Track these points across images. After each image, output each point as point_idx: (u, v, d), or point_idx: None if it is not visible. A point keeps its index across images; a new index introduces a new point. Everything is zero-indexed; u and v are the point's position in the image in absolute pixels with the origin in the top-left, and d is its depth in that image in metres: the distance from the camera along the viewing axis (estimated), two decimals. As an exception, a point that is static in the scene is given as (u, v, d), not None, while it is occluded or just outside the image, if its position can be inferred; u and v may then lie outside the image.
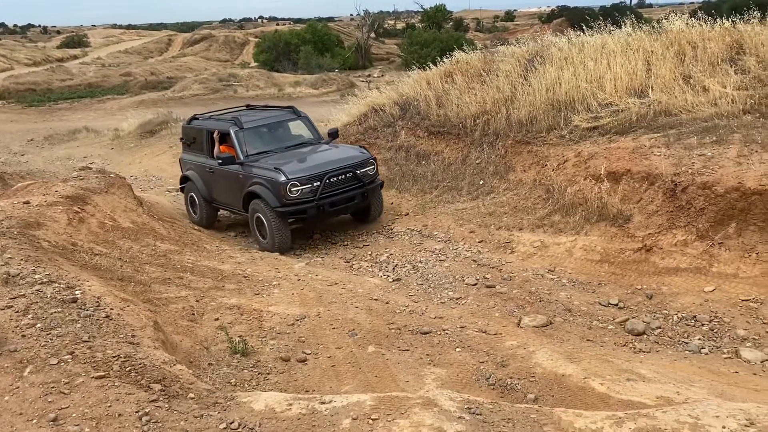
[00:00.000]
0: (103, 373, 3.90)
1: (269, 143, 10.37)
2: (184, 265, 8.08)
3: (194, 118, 11.33)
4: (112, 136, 20.76)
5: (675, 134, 8.50)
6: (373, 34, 56.57)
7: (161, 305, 6.69)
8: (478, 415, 3.39)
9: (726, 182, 7.35)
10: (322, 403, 3.56)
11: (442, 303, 7.33)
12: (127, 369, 4.03)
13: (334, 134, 10.99)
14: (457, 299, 7.38)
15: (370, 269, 8.66)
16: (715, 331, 6.20)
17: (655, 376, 5.00)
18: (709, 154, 7.82)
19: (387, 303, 7.22)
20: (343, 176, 9.51)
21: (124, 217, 8.68)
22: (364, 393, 4.84)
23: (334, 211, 9.67)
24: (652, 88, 9.56)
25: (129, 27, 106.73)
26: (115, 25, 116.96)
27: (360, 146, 10.85)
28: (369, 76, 40.38)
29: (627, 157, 8.55)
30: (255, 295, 7.46)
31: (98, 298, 5.31)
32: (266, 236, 9.47)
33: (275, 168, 9.34)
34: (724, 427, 2.97)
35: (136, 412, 3.53)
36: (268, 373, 5.55)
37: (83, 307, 5.05)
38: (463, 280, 7.86)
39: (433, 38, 43.60)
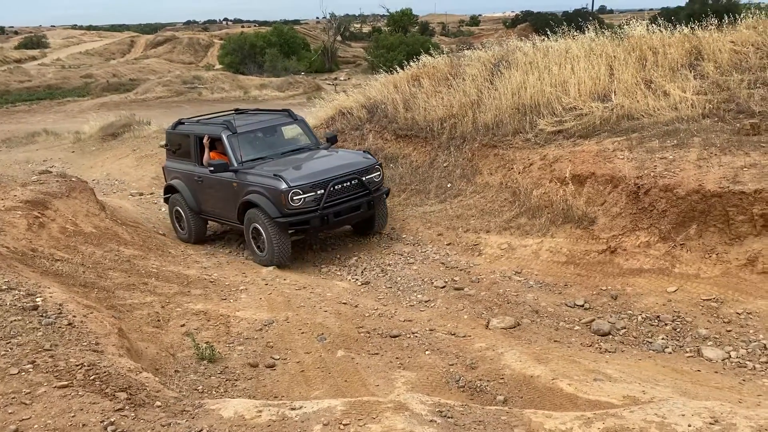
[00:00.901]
0: (66, 383, 3.81)
1: (265, 149, 9.68)
2: (148, 270, 7.95)
3: (179, 122, 10.57)
4: (73, 139, 20.31)
5: (637, 138, 8.67)
6: (339, 38, 56.52)
7: (126, 312, 6.58)
8: (449, 418, 3.40)
9: (687, 185, 7.52)
10: (293, 409, 3.52)
11: (411, 306, 7.34)
12: (92, 378, 3.94)
13: (332, 139, 10.25)
14: (426, 302, 7.40)
15: (339, 273, 8.63)
16: (678, 330, 6.32)
17: (621, 376, 5.08)
18: (671, 157, 7.99)
19: (356, 307, 7.20)
20: (348, 183, 8.88)
21: (86, 221, 8.50)
22: (334, 398, 4.81)
23: (339, 222, 9.00)
24: (614, 92, 9.74)
25: (90, 28, 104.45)
26: (75, 25, 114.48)
27: (364, 150, 10.20)
28: (335, 79, 40.38)
29: (591, 161, 8.68)
30: (222, 300, 7.38)
31: (60, 305, 5.19)
32: (264, 249, 8.79)
33: (274, 175, 8.64)
34: (689, 425, 3.02)
35: (101, 422, 3.44)
36: (236, 380, 5.48)
37: (44, 314, 4.92)
38: (432, 283, 7.88)
39: (400, 42, 43.85)
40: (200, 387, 5.27)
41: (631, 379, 4.98)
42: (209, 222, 10.46)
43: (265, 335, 6.45)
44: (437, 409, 3.49)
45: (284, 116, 10.35)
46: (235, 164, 9.15)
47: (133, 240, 8.96)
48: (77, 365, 4.06)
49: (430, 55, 13.32)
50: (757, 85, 9.05)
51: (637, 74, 9.94)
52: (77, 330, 4.73)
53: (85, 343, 4.50)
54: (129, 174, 15.88)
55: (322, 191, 8.60)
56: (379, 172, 9.36)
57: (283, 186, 8.45)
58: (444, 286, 7.77)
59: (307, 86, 35.55)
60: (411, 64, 13.44)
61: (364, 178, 9.03)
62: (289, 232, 8.77)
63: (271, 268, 8.72)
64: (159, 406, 3.70)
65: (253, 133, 9.75)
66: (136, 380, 4.02)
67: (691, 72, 9.65)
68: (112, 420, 3.46)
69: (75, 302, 5.42)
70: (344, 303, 7.34)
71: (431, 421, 3.31)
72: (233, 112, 11.09)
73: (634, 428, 3.03)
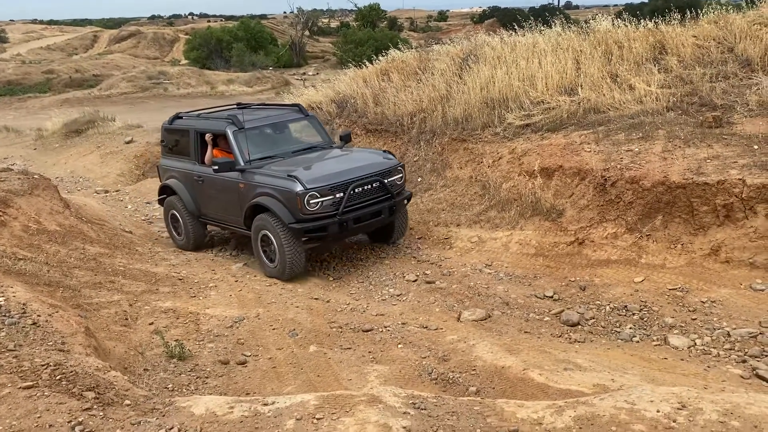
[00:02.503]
0: (31, 383, 3.72)
1: (274, 147, 8.82)
2: (115, 268, 7.81)
3: (177, 116, 9.68)
4: (35, 136, 19.83)
5: (604, 131, 8.79)
6: (307, 32, 56.18)
7: (92, 311, 6.45)
8: (422, 409, 3.40)
9: (652, 176, 7.65)
10: (265, 404, 3.49)
11: (383, 300, 7.34)
12: (58, 377, 3.85)
13: (346, 137, 9.42)
14: (397, 296, 7.40)
15: (310, 268, 8.57)
16: (645, 319, 6.43)
17: (591, 365, 5.15)
18: (636, 149, 8.13)
19: (328, 302, 7.18)
20: (369, 186, 8.04)
21: (49, 219, 8.31)
22: (307, 393, 4.79)
23: (358, 228, 8.16)
24: (581, 86, 9.85)
25: (51, 22, 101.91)
26: (36, 20, 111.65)
27: (384, 150, 9.28)
28: (304, 74, 40.15)
29: (559, 154, 8.78)
30: (191, 297, 7.29)
31: (24, 304, 5.06)
32: (275, 258, 7.93)
33: (288, 175, 7.74)
34: (658, 411, 3.07)
35: (68, 422, 3.37)
36: (207, 377, 5.42)
37: (8, 314, 4.81)
38: (404, 277, 7.89)
39: (368, 37, 43.79)
40: (170, 385, 5.19)
41: (601, 368, 5.06)
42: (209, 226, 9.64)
43: (235, 332, 6.40)
44: (411, 401, 3.50)
45: (294, 112, 9.52)
46: (242, 163, 8.31)
47: (99, 238, 8.78)
48: (43, 365, 3.97)
49: (399, 49, 13.30)
50: (719, 79, 9.25)
51: (603, 68, 10.08)
52: (42, 329, 4.63)
53: (50, 343, 4.41)
54: (93, 171, 15.59)
55: (342, 194, 7.77)
56: (401, 175, 8.52)
57: (299, 188, 7.58)
58: (416, 280, 7.79)
59: (275, 81, 35.28)
60: (380, 58, 13.42)
61: (386, 181, 8.21)
62: (303, 239, 7.88)
63: (240, 264, 8.64)
64: (128, 405, 3.63)
65: (262, 129, 8.91)
66: (104, 379, 3.95)
67: (655, 66, 9.82)
68: (80, 420, 3.38)
69: (39, 301, 5.30)
70: (316, 298, 7.31)
71: (405, 413, 3.31)
72: (235, 106, 10.23)
73: (605, 415, 3.07)
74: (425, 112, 11.08)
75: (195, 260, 8.91)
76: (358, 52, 35.56)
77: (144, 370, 5.43)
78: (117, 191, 13.40)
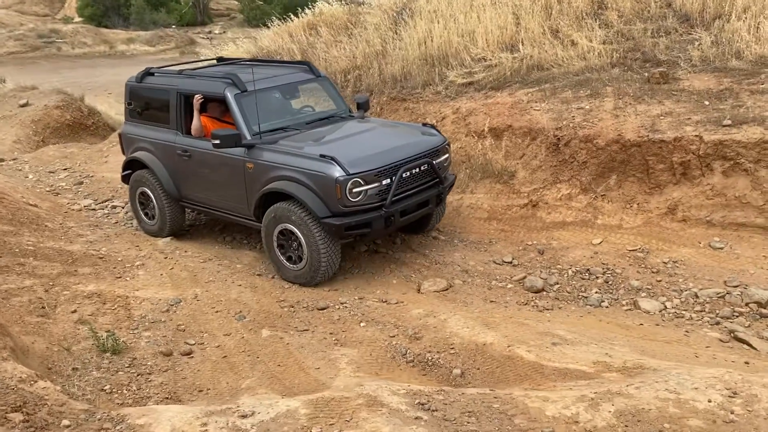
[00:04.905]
0: (-64, 408, 2.94)
1: (283, 115, 7.14)
2: (23, 248, 6.83)
3: (148, 72, 7.80)
4: None
5: (550, 88, 8.47)
6: (211, -12, 53.22)
7: (1, 300, 5.55)
8: (434, 411, 2.90)
9: (606, 135, 7.41)
10: (243, 416, 2.88)
11: (334, 273, 6.76)
12: (-29, 397, 3.08)
13: (365, 104, 7.67)
14: (349, 268, 6.85)
15: (246, 240, 7.86)
16: (609, 283, 6.21)
17: (574, 337, 4.82)
18: (587, 107, 7.86)
19: (273, 277, 6.57)
20: (418, 170, 6.48)
21: (-62, 195, 7.16)
22: (270, 387, 4.23)
23: (403, 222, 6.58)
24: (522, 42, 9.47)
25: None
26: None
27: (425, 123, 7.58)
28: (210, 32, 38.12)
29: (507, 113, 8.40)
30: (116, 278, 6.48)
31: None
32: (302, 259, 6.33)
33: (322, 156, 6.04)
34: (710, 401, 2.72)
35: (-8, 458, 2.66)
36: (150, 373, 4.71)
37: None
38: (353, 248, 7.33)
39: (277, -6, 41.90)
40: (107, 387, 4.45)
41: (587, 339, 4.74)
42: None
43: (173, 317, 5.69)
44: (416, 401, 2.99)
45: (303, 71, 7.65)
46: (249, 136, 6.54)
47: (0, 213, 7.69)
48: (-51, 381, 3.17)
49: (327, 2, 12.43)
50: (660, 34, 9.08)
51: (544, 23, 9.71)
52: (-57, 333, 3.78)
53: (-45, 350, 3.59)
54: (-17, 138, 13.93)
55: (389, 180, 6.19)
56: (448, 155, 7.00)
57: (338, 173, 5.90)
58: (366, 250, 7.25)
59: (180, 40, 33.44)
60: (301, 16, 12.45)
61: (435, 162, 6.66)
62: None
63: (168, 238, 7.80)
64: (68, 426, 2.93)
65: (270, 92, 7.11)
66: (31, 393, 3.20)
67: (596, 21, 9.55)
68: (8, 453, 2.68)
69: (-65, 296, 4.39)
70: (259, 275, 6.67)
71: (416, 418, 2.80)
72: (215, 61, 8.28)
73: (650, 409, 2.69)
74: (360, 70, 10.40)
75: (114, 235, 7.99)
76: (266, 11, 33.90)
77: (73, 369, 4.64)
78: (14, 160, 11.98)
